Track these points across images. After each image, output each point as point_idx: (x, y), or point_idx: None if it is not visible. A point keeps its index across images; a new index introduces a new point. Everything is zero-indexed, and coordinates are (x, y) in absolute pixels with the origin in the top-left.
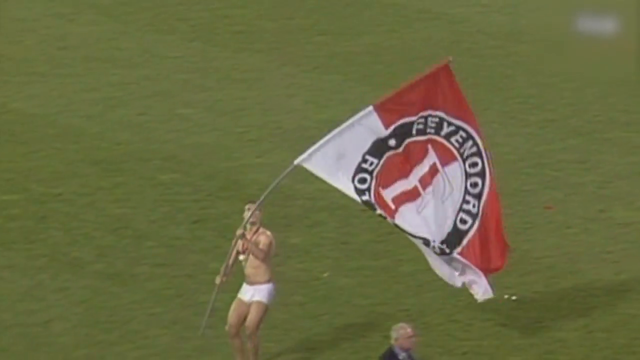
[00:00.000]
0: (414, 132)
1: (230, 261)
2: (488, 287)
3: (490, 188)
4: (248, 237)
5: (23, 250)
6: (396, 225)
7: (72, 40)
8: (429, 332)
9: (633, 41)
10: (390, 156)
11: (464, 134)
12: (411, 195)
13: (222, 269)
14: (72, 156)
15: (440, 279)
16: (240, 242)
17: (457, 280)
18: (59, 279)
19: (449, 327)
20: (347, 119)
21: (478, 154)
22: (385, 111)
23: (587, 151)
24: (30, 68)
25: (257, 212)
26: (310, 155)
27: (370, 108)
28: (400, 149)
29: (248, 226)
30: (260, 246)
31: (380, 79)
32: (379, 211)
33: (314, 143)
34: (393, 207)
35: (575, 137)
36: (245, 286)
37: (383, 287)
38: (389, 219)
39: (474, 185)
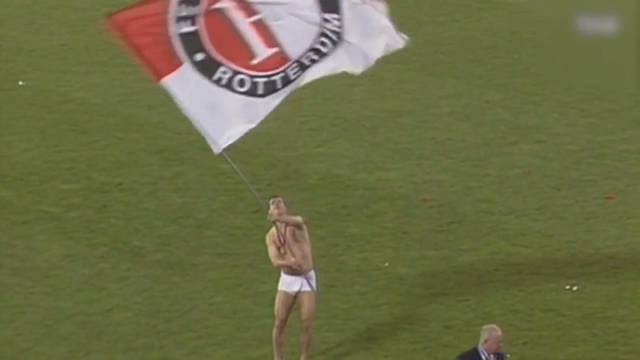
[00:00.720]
0: (190, 22)
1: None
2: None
3: None
4: (282, 230)
5: (84, 239)
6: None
7: None
8: (490, 322)
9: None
10: (224, 51)
11: None
12: (266, 34)
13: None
14: (133, 145)
15: (501, 269)
16: (278, 236)
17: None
18: (120, 268)
19: (510, 318)
20: (408, 108)
21: None
22: (159, 68)
23: None
24: (91, 57)
25: (282, 205)
26: (212, 141)
27: (160, 82)
28: (212, 47)
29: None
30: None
31: (440, 68)
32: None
33: (374, 133)
34: (284, 55)
35: (636, 127)
36: (289, 277)
37: (443, 277)
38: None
39: None
